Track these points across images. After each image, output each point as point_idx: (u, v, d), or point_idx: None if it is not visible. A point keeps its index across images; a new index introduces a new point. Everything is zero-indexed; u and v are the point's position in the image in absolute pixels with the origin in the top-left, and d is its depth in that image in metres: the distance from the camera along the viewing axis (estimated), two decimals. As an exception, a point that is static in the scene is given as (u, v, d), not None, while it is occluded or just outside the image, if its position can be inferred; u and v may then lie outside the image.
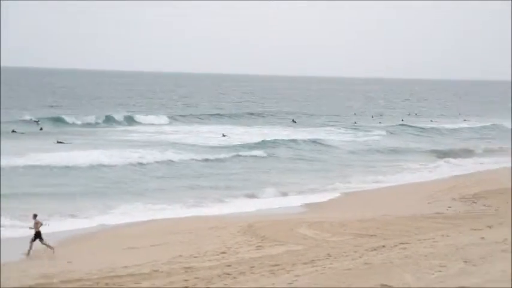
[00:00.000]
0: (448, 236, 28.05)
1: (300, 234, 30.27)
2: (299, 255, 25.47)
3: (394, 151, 71.76)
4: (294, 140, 75.43)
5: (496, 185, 44.93)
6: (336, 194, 45.57)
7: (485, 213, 35.11)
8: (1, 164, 48.44)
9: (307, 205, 41.37)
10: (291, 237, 29.68)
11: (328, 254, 25.29)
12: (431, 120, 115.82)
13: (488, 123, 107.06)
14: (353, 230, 30.85)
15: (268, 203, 42.25)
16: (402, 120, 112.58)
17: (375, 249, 25.80)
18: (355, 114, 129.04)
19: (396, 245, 26.31)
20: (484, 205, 38.24)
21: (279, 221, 33.69)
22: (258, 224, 32.59)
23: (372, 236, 29.41)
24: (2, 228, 32.08)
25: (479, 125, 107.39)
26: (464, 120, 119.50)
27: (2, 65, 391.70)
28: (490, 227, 29.91)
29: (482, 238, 26.27)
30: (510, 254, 21.82)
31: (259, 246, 28.04)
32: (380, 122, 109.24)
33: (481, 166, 60.49)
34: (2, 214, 34.22)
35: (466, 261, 21.50)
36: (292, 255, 25.51)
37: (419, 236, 28.41)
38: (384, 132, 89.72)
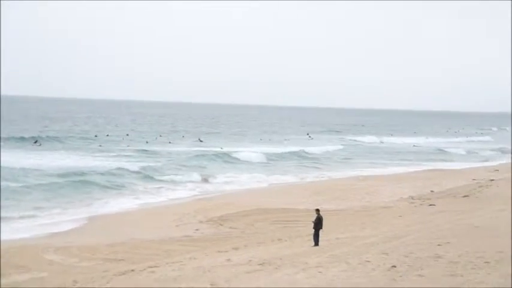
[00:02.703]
0: (195, 258, 28.50)
1: (46, 260, 29.30)
2: (44, 283, 24.58)
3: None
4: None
5: (239, 208, 46.42)
6: (83, 216, 44.59)
7: (231, 236, 36.16)
8: None
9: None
10: (36, 263, 28.62)
11: (75, 281, 24.66)
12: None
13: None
14: (102, 255, 30.42)
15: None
16: None
17: (123, 274, 25.55)
18: None
19: (145, 269, 26.24)
20: (230, 227, 39.38)
21: (23, 247, 32.35)
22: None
23: (120, 260, 29.19)
24: None
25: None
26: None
27: None
28: (236, 249, 30.82)
29: (229, 260, 26.96)
30: (252, 275, 22.57)
31: (2, 274, 26.68)
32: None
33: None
34: None
35: (212, 284, 21.89)
36: (36, 283, 24.56)
37: (168, 259, 28.61)
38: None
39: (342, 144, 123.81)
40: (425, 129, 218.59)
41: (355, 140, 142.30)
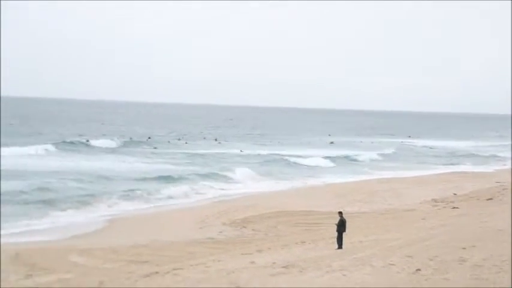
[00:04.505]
0: (219, 260, 28.57)
1: (70, 262, 29.51)
2: (70, 284, 24.79)
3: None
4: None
5: (262, 210, 46.49)
6: (106, 218, 44.95)
7: (255, 238, 36.25)
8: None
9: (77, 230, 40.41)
10: (61, 265, 28.83)
11: (100, 282, 24.82)
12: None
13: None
14: (126, 257, 30.57)
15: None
16: None
17: (147, 276, 25.67)
18: None
19: (169, 271, 26.36)
20: (253, 230, 39.46)
21: (48, 248, 32.60)
22: (27, 252, 31.33)
23: (144, 262, 29.31)
24: None
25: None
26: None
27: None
28: (259, 251, 30.88)
29: (253, 262, 27.02)
30: (276, 278, 22.63)
31: (29, 275, 26.95)
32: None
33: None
34: None
35: (236, 286, 21.97)
36: (63, 284, 24.77)
37: (192, 261, 28.68)
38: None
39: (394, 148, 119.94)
40: (462, 132, 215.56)
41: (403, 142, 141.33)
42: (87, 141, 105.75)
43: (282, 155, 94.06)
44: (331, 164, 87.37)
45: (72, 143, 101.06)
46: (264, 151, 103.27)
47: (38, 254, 30.89)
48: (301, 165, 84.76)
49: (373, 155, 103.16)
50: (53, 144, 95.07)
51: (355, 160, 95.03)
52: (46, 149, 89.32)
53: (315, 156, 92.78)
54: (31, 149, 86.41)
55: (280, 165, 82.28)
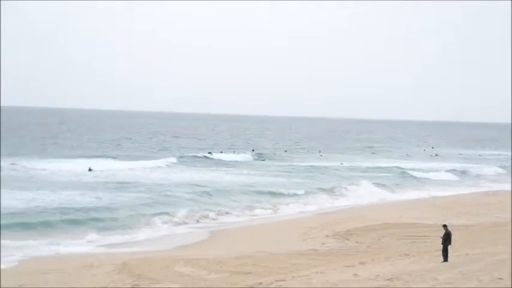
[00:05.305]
0: (322, 272, 28.52)
1: (176, 272, 30.01)
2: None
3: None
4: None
5: (365, 222, 46.10)
6: (210, 229, 45.69)
7: (358, 250, 35.94)
8: None
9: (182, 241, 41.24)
10: (167, 275, 29.38)
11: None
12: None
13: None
14: (230, 268, 30.86)
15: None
16: None
17: (251, 287, 25.91)
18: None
19: (272, 282, 26.51)
20: (356, 242, 39.16)
21: (154, 258, 33.29)
22: (133, 262, 32.08)
23: (248, 273, 29.50)
24: None
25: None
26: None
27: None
28: (362, 263, 30.64)
29: (356, 275, 26.85)
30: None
31: (135, 284, 27.60)
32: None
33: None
34: None
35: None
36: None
37: (295, 273, 28.73)
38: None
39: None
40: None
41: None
42: (221, 152, 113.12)
43: (402, 168, 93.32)
44: (456, 178, 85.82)
45: (198, 156, 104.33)
46: (381, 164, 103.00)
47: (143, 264, 31.58)
48: (427, 179, 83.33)
49: (495, 168, 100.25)
50: (179, 157, 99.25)
51: (478, 175, 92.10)
52: (171, 162, 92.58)
53: (439, 170, 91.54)
54: (159, 162, 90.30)
55: (400, 179, 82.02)
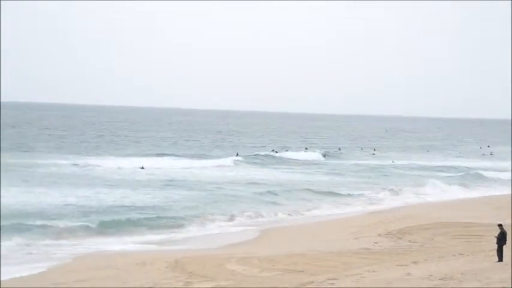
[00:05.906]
0: (374, 271, 28.35)
1: (229, 270, 30.14)
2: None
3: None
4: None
5: (419, 221, 45.71)
6: (262, 227, 45.85)
7: (411, 249, 35.64)
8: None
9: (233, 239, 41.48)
10: (219, 273, 29.54)
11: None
12: None
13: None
14: (282, 266, 30.88)
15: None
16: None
17: (303, 285, 25.90)
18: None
19: (324, 281, 26.46)
20: (409, 241, 38.83)
21: (206, 256, 33.51)
22: (185, 259, 32.34)
23: (300, 271, 29.49)
24: None
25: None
26: None
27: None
28: (415, 262, 30.37)
29: (408, 274, 26.66)
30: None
31: (188, 282, 27.82)
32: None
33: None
34: None
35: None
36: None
37: (347, 272, 28.63)
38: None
39: None
40: None
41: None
42: (286, 150, 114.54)
43: (470, 168, 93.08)
44: None
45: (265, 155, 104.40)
46: (437, 162, 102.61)
47: (196, 262, 31.81)
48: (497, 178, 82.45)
49: None
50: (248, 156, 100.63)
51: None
52: (237, 160, 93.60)
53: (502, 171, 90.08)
54: (224, 161, 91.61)
55: (469, 177, 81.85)
